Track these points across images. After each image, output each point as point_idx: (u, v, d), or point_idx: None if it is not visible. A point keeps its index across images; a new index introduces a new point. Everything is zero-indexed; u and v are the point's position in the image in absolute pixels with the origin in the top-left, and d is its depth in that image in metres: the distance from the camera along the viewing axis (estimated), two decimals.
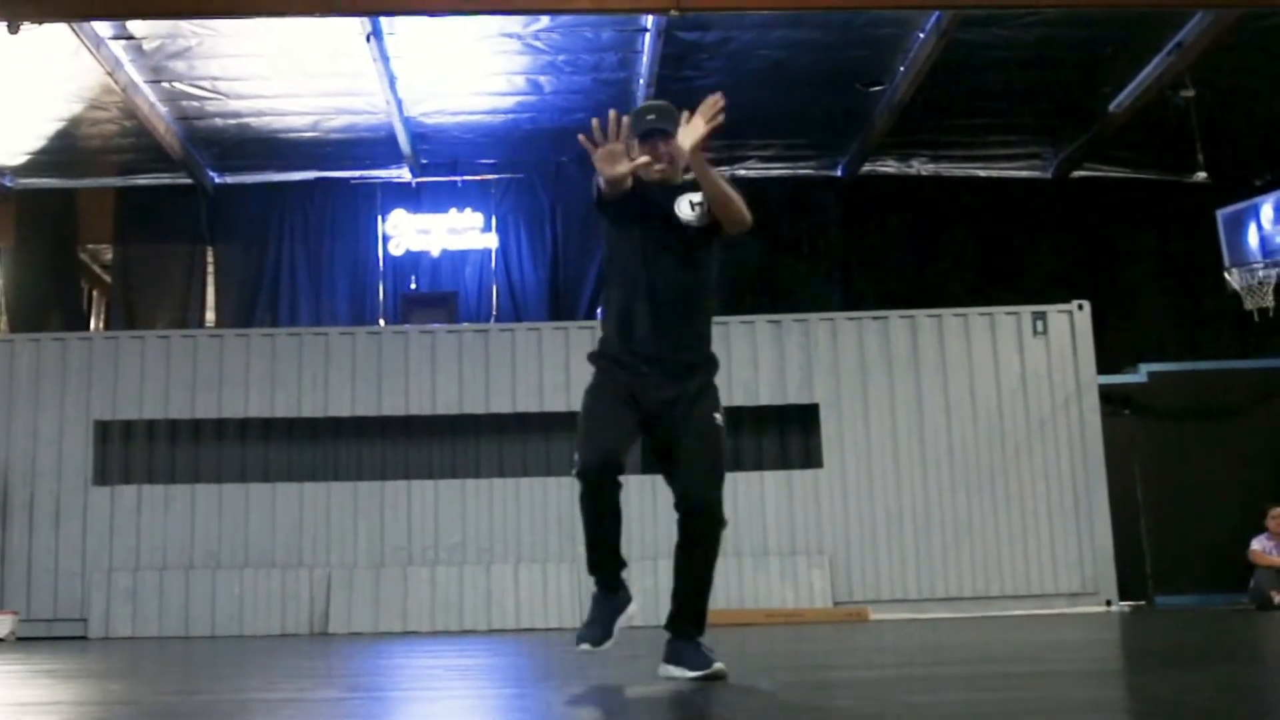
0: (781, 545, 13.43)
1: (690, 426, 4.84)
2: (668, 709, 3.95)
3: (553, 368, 13.82)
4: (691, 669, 4.68)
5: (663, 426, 4.89)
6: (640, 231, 4.93)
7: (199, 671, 6.53)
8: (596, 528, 4.84)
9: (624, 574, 4.96)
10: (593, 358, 5.03)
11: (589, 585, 5.01)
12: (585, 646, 4.83)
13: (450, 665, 6.78)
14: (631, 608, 4.96)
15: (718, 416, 4.89)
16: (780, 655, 6.80)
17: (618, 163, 4.72)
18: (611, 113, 4.74)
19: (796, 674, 5.34)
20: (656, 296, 4.87)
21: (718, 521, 4.79)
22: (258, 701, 4.40)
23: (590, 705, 4.06)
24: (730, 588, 13.02)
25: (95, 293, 18.69)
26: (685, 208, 4.95)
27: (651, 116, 4.97)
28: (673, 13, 11.61)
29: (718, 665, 4.67)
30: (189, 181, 16.56)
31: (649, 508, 12.73)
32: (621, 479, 4.77)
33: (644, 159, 4.86)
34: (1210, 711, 3.38)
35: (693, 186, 4.95)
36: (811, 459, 13.95)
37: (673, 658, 4.81)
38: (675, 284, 4.91)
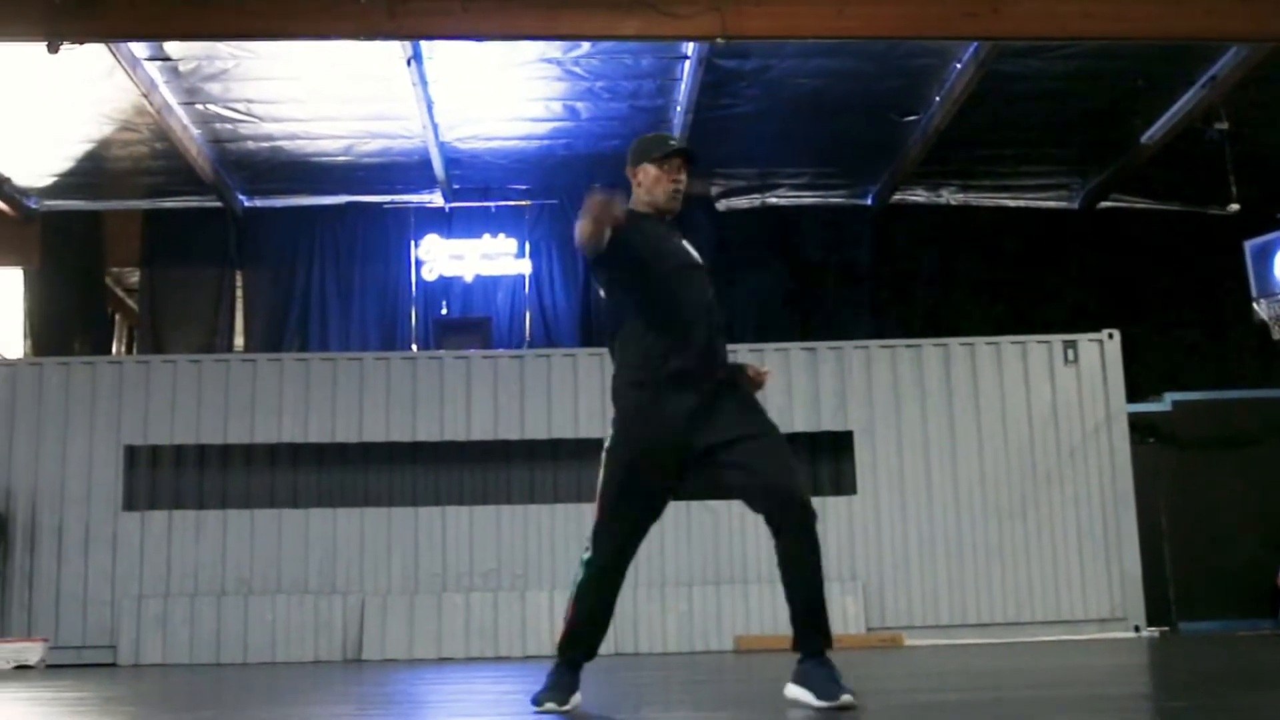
0: None
1: (755, 426, 4.81)
2: None
3: (588, 393, 13.76)
4: (821, 697, 4.46)
5: (717, 430, 4.78)
6: (673, 257, 4.94)
7: (277, 697, 6.47)
8: (590, 614, 4.81)
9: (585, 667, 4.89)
10: (628, 397, 4.85)
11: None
12: (551, 705, 4.68)
13: (512, 690, 6.69)
14: (576, 698, 4.79)
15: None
16: (854, 679, 6.78)
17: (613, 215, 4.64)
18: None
19: (891, 696, 5.33)
20: (701, 315, 4.88)
21: (811, 511, 4.62)
22: None
23: None
24: (764, 613, 12.99)
25: (119, 317, 18.59)
26: (687, 245, 5.06)
27: (674, 142, 5.05)
28: (719, 40, 11.64)
29: (846, 697, 4.41)
30: (218, 205, 16.53)
31: (684, 535, 12.80)
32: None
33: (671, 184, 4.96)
34: None
35: (678, 228, 5.07)
36: (844, 486, 13.93)
37: (801, 679, 4.59)
38: (710, 301, 4.96)
